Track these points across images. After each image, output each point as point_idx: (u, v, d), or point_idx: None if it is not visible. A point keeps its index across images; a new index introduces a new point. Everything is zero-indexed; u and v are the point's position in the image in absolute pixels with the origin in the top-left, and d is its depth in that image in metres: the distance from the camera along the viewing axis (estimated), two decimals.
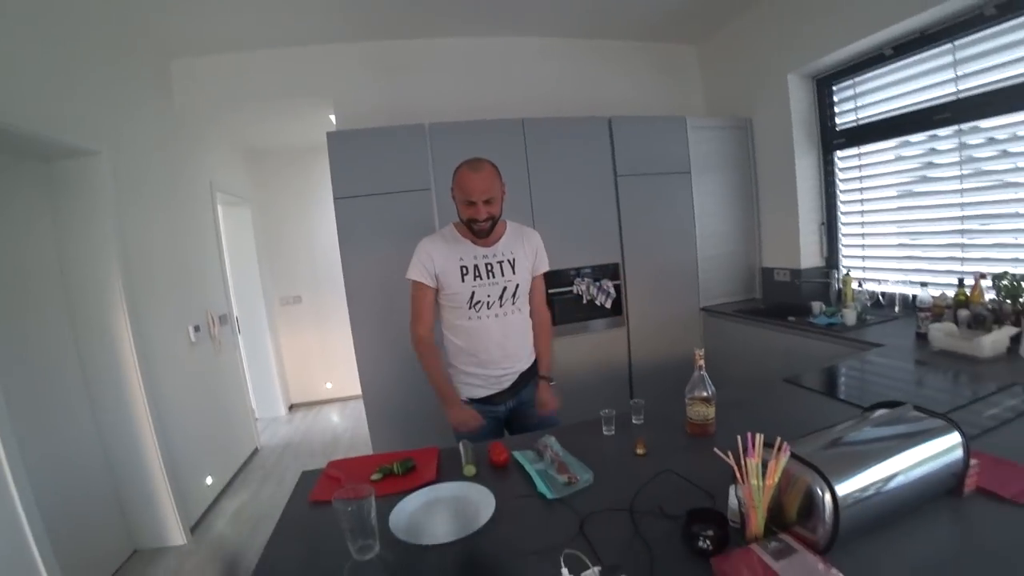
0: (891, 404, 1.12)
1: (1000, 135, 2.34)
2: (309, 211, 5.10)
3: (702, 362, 1.42)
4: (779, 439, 0.91)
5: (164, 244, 3.02)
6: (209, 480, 3.18)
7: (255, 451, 4.07)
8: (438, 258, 1.76)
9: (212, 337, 3.48)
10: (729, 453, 0.95)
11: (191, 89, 3.27)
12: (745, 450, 0.92)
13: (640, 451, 1.36)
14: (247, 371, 4.36)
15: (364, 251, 2.82)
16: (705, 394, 1.40)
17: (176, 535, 2.71)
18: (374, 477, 1.35)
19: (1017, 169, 2.30)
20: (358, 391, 2.97)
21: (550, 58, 3.69)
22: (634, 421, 1.58)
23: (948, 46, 2.48)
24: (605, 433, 1.52)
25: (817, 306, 2.83)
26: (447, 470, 1.37)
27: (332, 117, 3.47)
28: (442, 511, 1.15)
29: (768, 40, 3.33)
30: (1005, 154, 2.33)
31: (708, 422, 1.42)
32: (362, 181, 2.80)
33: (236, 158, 4.67)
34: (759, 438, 0.93)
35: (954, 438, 0.99)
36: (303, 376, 5.33)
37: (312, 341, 5.29)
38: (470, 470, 1.33)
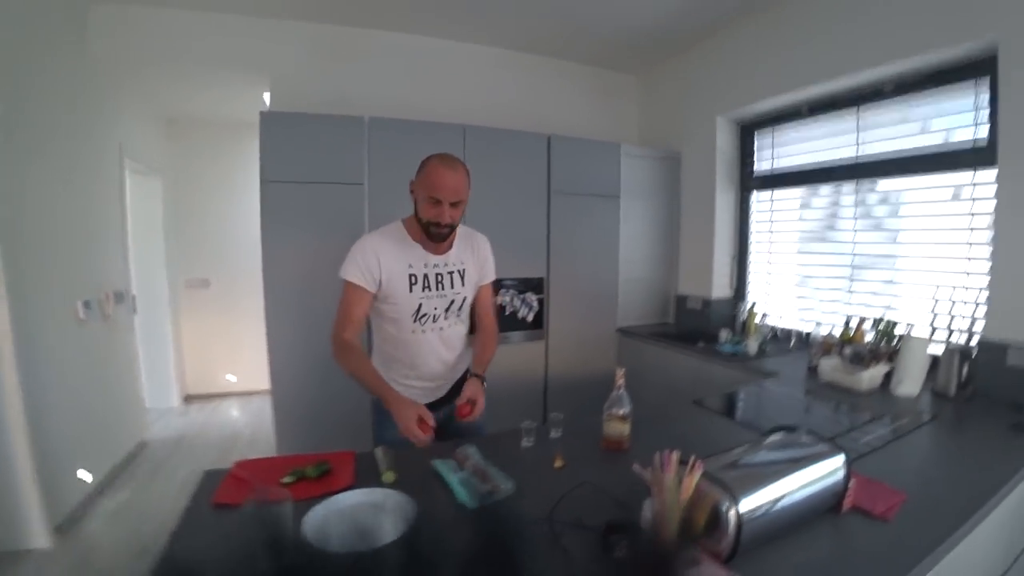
0: (787, 428, 1.24)
1: (893, 197, 2.66)
2: (228, 191, 4.79)
3: (622, 381, 1.48)
4: (693, 457, 0.97)
5: (58, 205, 2.72)
6: (85, 474, 2.86)
7: (142, 444, 3.72)
8: (385, 262, 1.57)
9: (104, 315, 3.16)
10: (648, 468, 1.00)
11: (110, 41, 2.96)
12: (662, 466, 0.98)
13: (558, 464, 1.39)
14: (141, 356, 3.99)
15: (288, 239, 2.69)
16: (623, 412, 1.46)
17: (37, 536, 2.39)
18: (285, 480, 1.28)
19: (900, 229, 2.63)
20: (262, 386, 2.82)
21: (497, 68, 3.73)
22: (552, 435, 1.60)
23: (854, 112, 2.79)
24: (524, 445, 1.54)
25: (724, 334, 3.04)
26: (364, 476, 1.33)
27: (266, 96, 3.30)
28: (361, 518, 1.12)
29: (703, 83, 3.57)
30: (892, 213, 2.66)
31: (623, 438, 1.48)
32: (293, 167, 2.68)
33: (153, 125, 4.31)
34: (675, 455, 0.99)
35: (839, 460, 1.11)
36: (203, 366, 4.96)
37: (217, 329, 4.95)
38: (389, 476, 1.30)
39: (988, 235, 2.18)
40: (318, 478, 1.30)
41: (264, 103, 3.40)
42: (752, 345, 2.78)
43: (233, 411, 4.63)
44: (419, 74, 3.51)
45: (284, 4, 3.03)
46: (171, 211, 4.55)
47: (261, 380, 3.64)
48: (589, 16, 3.21)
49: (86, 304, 2.91)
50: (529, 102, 3.83)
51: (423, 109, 3.32)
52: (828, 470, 1.09)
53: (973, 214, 2.29)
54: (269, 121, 2.65)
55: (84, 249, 3.00)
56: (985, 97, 2.23)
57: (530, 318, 3.27)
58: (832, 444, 1.15)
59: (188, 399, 4.87)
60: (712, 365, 2.81)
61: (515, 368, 3.27)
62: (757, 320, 3.06)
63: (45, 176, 2.61)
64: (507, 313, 3.20)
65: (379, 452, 1.39)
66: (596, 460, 1.45)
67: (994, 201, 2.14)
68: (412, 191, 1.58)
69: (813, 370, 2.41)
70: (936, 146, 2.44)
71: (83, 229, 2.99)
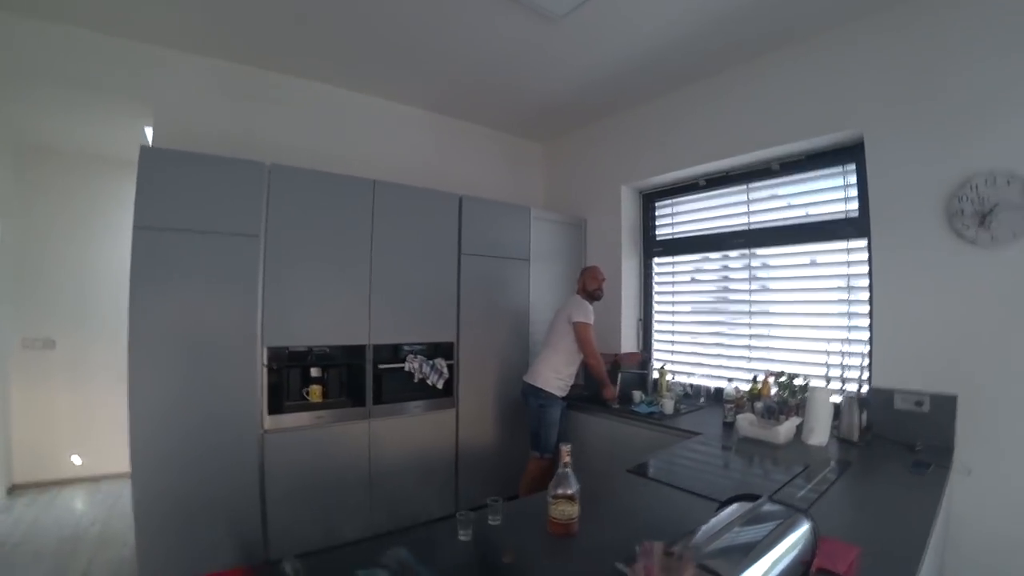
0: (748, 497, 1.18)
1: (780, 262, 2.91)
2: (92, 236, 4.10)
3: (568, 458, 1.35)
4: (678, 547, 0.86)
5: None
6: None
7: None
8: None
9: None
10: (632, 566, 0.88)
11: None
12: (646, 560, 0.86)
13: (508, 560, 1.22)
14: None
15: (163, 294, 2.31)
16: (570, 491, 1.32)
17: None
18: None
19: (791, 289, 2.86)
20: (119, 468, 2.30)
21: (408, 125, 3.68)
22: (490, 522, 1.42)
23: (743, 187, 3.07)
24: (461, 539, 1.33)
25: (637, 395, 3.06)
26: None
27: (148, 130, 2.90)
28: None
29: (607, 154, 3.77)
30: (783, 277, 2.91)
31: (572, 521, 1.34)
32: (175, 213, 2.33)
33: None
34: (657, 548, 0.87)
35: (806, 527, 1.07)
36: (40, 446, 3.99)
37: (62, 400, 4.06)
38: None
39: (866, 296, 2.45)
40: None
41: (145, 138, 3.00)
42: (668, 405, 2.81)
43: (77, 502, 3.75)
44: (328, 123, 3.33)
45: (177, 33, 2.71)
46: (11, 255, 3.82)
47: (115, 461, 2.98)
48: (499, 83, 3.28)
49: None
50: (439, 161, 3.79)
51: (329, 159, 3.13)
52: (796, 539, 1.04)
53: (850, 276, 2.57)
54: (151, 158, 2.30)
55: None
56: (852, 177, 2.56)
57: (440, 385, 3.06)
58: (801, 511, 1.11)
59: (14, 489, 3.91)
60: (630, 426, 2.79)
61: (424, 440, 3.02)
62: (668, 379, 3.12)
63: None
64: (416, 381, 2.98)
65: (287, 567, 1.13)
66: (547, 549, 1.29)
67: (867, 267, 2.42)
68: (585, 280, 3.10)
69: (728, 426, 2.47)
70: (815, 216, 2.74)
71: None
